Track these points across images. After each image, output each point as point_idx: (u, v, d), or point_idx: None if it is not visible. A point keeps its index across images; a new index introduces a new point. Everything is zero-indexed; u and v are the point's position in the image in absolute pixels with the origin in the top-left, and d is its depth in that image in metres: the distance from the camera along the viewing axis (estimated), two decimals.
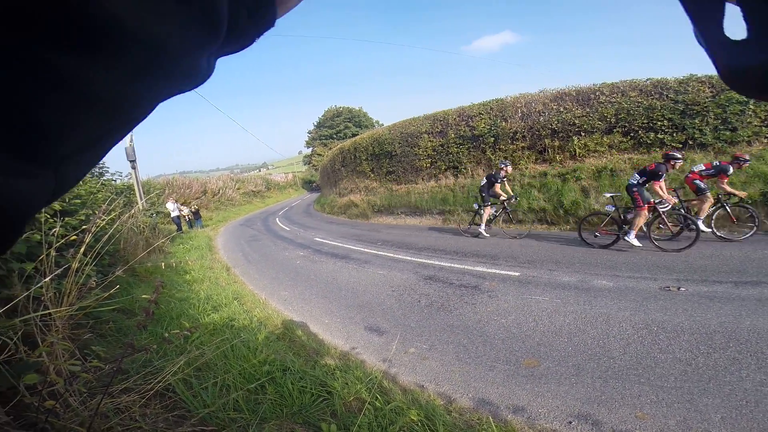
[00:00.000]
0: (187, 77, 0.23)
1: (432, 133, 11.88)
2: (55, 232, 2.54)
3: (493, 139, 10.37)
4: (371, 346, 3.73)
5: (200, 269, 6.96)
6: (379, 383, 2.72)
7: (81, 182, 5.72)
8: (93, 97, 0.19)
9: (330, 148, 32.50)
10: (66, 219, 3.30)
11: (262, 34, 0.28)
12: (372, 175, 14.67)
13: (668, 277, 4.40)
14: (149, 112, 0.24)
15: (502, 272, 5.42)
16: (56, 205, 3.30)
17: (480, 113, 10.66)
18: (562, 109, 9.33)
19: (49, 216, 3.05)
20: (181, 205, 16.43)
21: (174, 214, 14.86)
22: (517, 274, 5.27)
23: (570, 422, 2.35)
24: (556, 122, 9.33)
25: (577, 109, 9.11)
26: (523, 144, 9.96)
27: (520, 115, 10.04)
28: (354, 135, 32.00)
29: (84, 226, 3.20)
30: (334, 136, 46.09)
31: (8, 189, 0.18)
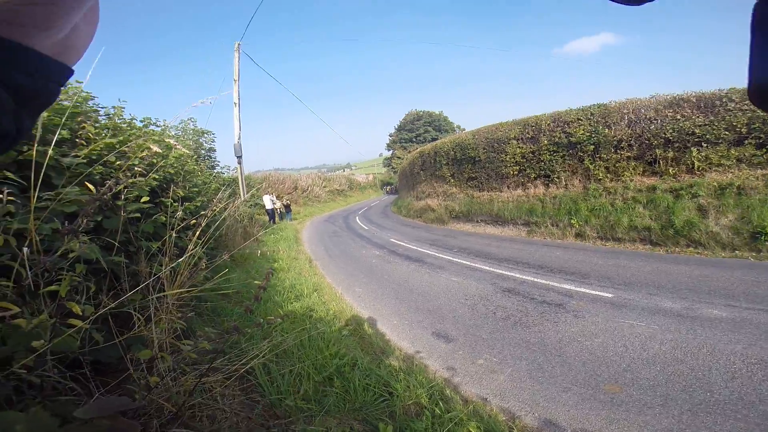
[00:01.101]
0: None
1: (522, 139, 11.11)
2: (177, 215, 2.96)
3: (592, 146, 9.28)
4: (437, 352, 3.66)
5: (287, 259, 7.58)
6: (440, 390, 2.66)
7: (198, 173, 6.67)
8: None
9: (409, 152, 32.81)
10: (186, 204, 3.84)
11: (63, 83, 0.34)
12: (452, 180, 14.35)
13: None
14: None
15: (593, 292, 4.85)
16: (180, 192, 3.86)
17: (578, 119, 9.63)
18: (679, 117, 7.96)
19: (173, 201, 3.58)
20: (275, 198, 18.20)
21: (269, 206, 16.54)
22: (610, 295, 4.68)
23: None
24: (670, 130, 8.00)
25: (698, 116, 7.69)
26: (628, 153, 8.73)
27: (626, 121, 8.82)
28: (434, 139, 31.77)
29: (202, 212, 3.70)
30: (414, 140, 46.51)
31: None
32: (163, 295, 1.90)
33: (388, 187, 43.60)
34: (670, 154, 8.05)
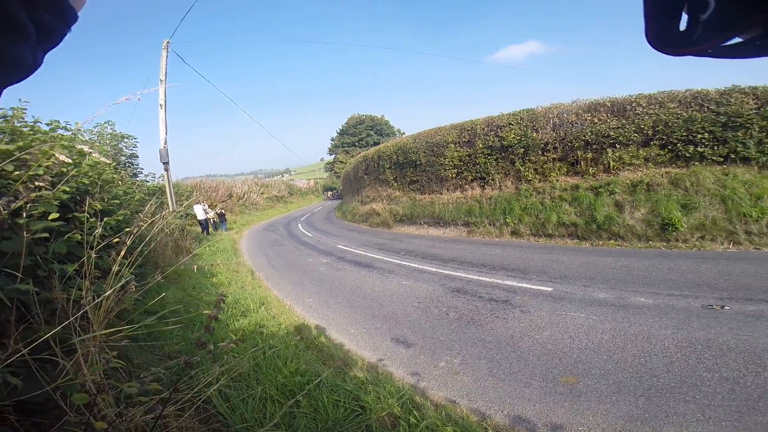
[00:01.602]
0: (14, 69, 0.31)
1: (459, 143, 11.68)
2: (96, 233, 2.55)
3: (522, 150, 10.10)
4: (398, 358, 3.64)
5: (227, 272, 7.03)
6: (410, 398, 2.64)
7: (119, 182, 5.89)
8: None
9: (352, 156, 32.75)
10: (105, 219, 3.35)
11: (70, 27, 0.37)
12: (395, 184, 14.59)
13: (711, 296, 4.21)
14: None
15: (534, 287, 5.21)
16: (97, 205, 3.35)
17: (510, 123, 10.40)
18: (596, 120, 8.99)
19: (89, 216, 3.09)
20: (208, 207, 16.85)
21: (201, 217, 15.24)
22: (549, 289, 5.07)
23: None
24: (589, 133, 9.00)
25: (612, 120, 8.76)
26: (554, 155, 9.65)
27: (551, 125, 9.74)
28: (376, 143, 32.14)
29: (126, 228, 3.23)
30: (357, 144, 46.56)
31: None
32: (87, 323, 1.60)
33: (330, 192, 42.65)
34: (590, 155, 9.02)
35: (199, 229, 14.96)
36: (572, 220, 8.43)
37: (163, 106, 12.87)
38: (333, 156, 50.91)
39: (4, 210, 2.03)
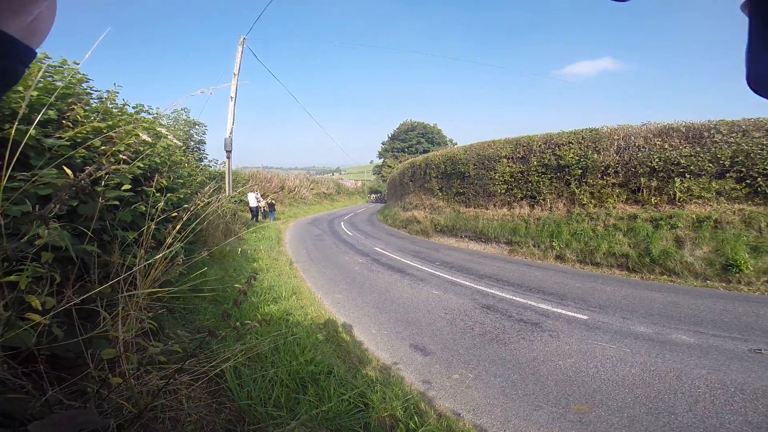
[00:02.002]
0: None
1: (512, 158, 11.23)
2: (159, 206, 2.85)
3: (580, 171, 9.48)
4: (414, 364, 3.64)
5: (267, 259, 7.44)
6: (416, 404, 2.65)
7: (185, 164, 6.50)
8: None
9: (400, 161, 32.96)
10: (168, 195, 3.71)
11: (27, 65, 0.36)
12: (440, 194, 14.43)
13: (762, 340, 3.85)
14: None
15: (569, 313, 4.95)
16: (163, 182, 3.73)
17: (569, 142, 9.80)
18: (666, 146, 8.19)
19: (155, 191, 3.45)
20: (260, 196, 17.92)
21: (253, 204, 16.25)
22: (585, 317, 4.80)
23: None
24: (657, 160, 8.22)
25: (684, 147, 7.93)
26: (614, 180, 8.95)
27: (615, 147, 9.02)
28: (425, 151, 32.05)
29: (185, 205, 3.57)
30: (406, 150, 46.81)
31: None
32: (133, 289, 1.81)
33: (374, 195, 43.06)
34: (654, 183, 8.24)
35: (249, 215, 15.96)
36: (624, 251, 7.79)
37: (234, 99, 13.95)
38: (382, 160, 51.61)
39: (88, 178, 2.36)
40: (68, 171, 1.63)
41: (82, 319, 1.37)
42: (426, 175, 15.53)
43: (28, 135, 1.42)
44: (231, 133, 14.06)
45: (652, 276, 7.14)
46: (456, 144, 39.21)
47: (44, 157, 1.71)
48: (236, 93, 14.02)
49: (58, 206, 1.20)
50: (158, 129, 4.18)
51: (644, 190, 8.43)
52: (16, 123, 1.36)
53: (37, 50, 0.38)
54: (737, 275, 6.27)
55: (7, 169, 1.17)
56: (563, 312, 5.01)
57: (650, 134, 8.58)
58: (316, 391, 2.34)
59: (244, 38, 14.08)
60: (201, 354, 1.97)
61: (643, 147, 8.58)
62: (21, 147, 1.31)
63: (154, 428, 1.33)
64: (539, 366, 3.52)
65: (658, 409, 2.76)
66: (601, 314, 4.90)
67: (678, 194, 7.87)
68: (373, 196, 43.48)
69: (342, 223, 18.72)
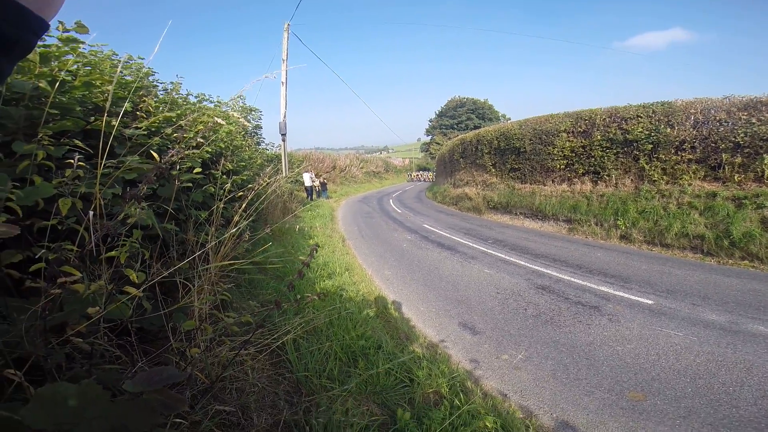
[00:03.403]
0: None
1: (573, 132, 10.39)
2: (226, 187, 3.10)
3: (651, 146, 8.53)
4: (462, 343, 3.64)
5: (322, 236, 7.79)
6: (461, 382, 2.67)
7: (246, 148, 6.93)
8: None
9: (449, 138, 31.90)
10: (234, 177, 4.01)
11: (39, 36, 0.37)
12: (493, 170, 13.84)
13: None
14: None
15: (632, 297, 4.60)
16: (228, 165, 4.02)
17: (638, 116, 8.84)
18: (754, 120, 7.08)
19: (222, 173, 3.73)
20: (314, 176, 18.61)
21: (308, 183, 16.95)
22: (650, 302, 4.43)
23: None
24: (742, 135, 7.16)
25: None
26: (690, 156, 7.94)
27: (691, 122, 7.99)
28: (476, 127, 30.67)
29: (249, 185, 3.84)
30: (455, 127, 45.25)
31: None
32: (208, 267, 2.01)
33: (414, 174, 39.42)
34: (738, 160, 7.25)
35: (304, 194, 16.71)
36: (700, 232, 6.92)
37: (284, 84, 14.41)
38: (430, 137, 50.45)
39: (168, 162, 2.62)
40: (156, 155, 1.83)
41: (164, 294, 1.55)
42: (478, 151, 14.94)
43: (114, 127, 1.61)
44: (284, 117, 14.61)
45: (730, 260, 6.31)
46: (509, 119, 36.91)
47: (126, 146, 1.92)
48: (287, 78, 14.47)
49: (146, 187, 1.36)
50: (228, 113, 4.45)
51: (726, 167, 7.40)
52: (104, 116, 1.54)
53: (49, 22, 0.39)
54: None
55: (101, 157, 1.33)
56: (626, 296, 4.65)
57: (734, 108, 7.50)
58: (366, 364, 2.45)
59: (289, 24, 14.29)
60: (265, 327, 2.15)
61: (726, 121, 7.54)
62: (110, 138, 1.49)
63: (222, 398, 1.50)
64: (595, 351, 3.35)
65: (719, 401, 2.58)
66: (668, 299, 4.48)
67: (767, 172, 6.79)
68: (414, 174, 39.91)
69: (391, 200, 18.86)
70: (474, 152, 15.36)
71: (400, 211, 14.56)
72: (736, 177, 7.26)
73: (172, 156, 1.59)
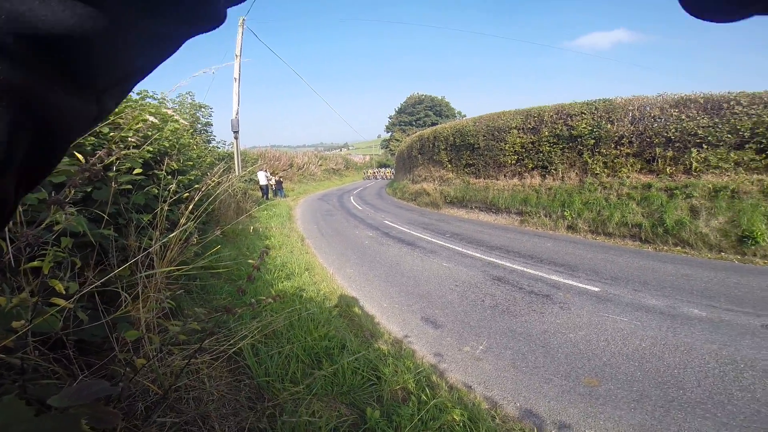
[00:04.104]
0: (205, 20, 0.28)
1: (523, 129, 11.06)
2: (170, 188, 2.91)
3: (593, 141, 9.30)
4: (425, 337, 3.72)
5: (279, 236, 7.57)
6: (427, 376, 2.72)
7: (194, 147, 6.54)
8: (141, 37, 0.25)
9: (408, 135, 32.43)
10: (179, 177, 3.77)
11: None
12: (449, 166, 14.28)
13: None
14: (174, 51, 0.30)
15: (580, 285, 4.95)
16: (174, 165, 3.78)
17: (582, 112, 9.60)
18: (683, 117, 7.96)
19: (166, 173, 3.50)
20: (270, 174, 18.02)
21: (263, 182, 16.37)
22: (596, 289, 4.79)
23: None
24: (673, 130, 8.03)
25: (702, 118, 7.70)
26: (628, 150, 8.77)
27: (629, 118, 8.82)
28: (434, 124, 31.50)
29: (196, 185, 3.63)
30: (414, 123, 46.13)
31: (61, 110, 0.24)
32: (153, 273, 1.87)
33: (371, 171, 37.88)
34: (670, 154, 8.09)
35: (260, 193, 16.12)
36: (637, 221, 7.69)
37: (237, 80, 13.81)
38: (390, 134, 50.93)
39: (99, 164, 2.40)
40: (80, 157, 1.66)
41: (105, 304, 1.43)
42: (435, 148, 15.32)
43: None
44: (237, 114, 14.04)
45: (665, 247, 7.05)
46: (465, 116, 38.21)
47: None
48: (240, 74, 13.87)
49: (72, 191, 1.24)
50: (164, 110, 4.17)
51: (659, 160, 8.25)
52: None
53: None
54: (753, 247, 6.16)
55: None
56: (574, 284, 5.01)
57: (666, 105, 8.36)
58: (331, 365, 2.42)
59: (244, 19, 13.72)
60: (220, 332, 2.05)
61: (659, 117, 8.39)
62: None
63: (179, 408, 1.42)
64: (549, 338, 3.55)
65: (667, 384, 2.77)
66: (612, 286, 4.88)
67: (694, 164, 7.70)
68: (370, 171, 37.95)
69: (351, 197, 18.78)
70: (431, 148, 15.73)
71: (360, 208, 14.54)
72: (668, 169, 8.09)
73: (101, 156, 1.46)
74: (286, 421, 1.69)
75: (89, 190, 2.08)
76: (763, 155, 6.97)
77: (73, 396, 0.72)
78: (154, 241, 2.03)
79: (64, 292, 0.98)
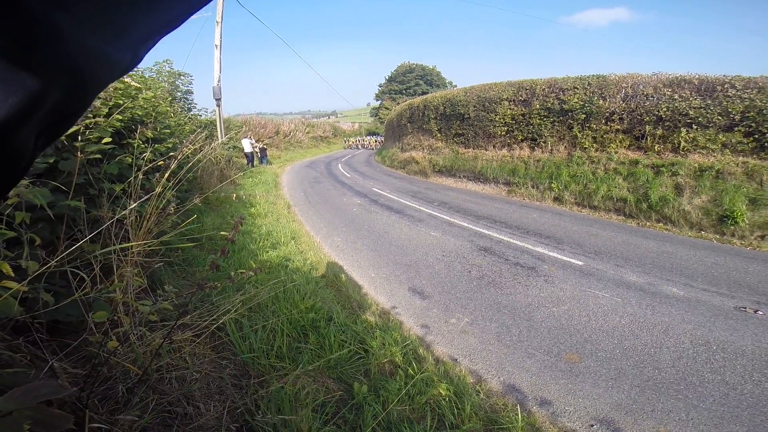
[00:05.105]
0: (108, 70, 0.28)
1: (514, 100, 10.90)
2: (145, 156, 2.76)
3: (584, 116, 9.24)
4: (412, 308, 3.76)
5: (264, 204, 7.43)
6: (414, 349, 2.75)
7: (171, 115, 6.21)
8: None
9: (398, 103, 31.49)
10: (155, 146, 3.58)
11: (196, 10, 0.34)
12: (438, 135, 14.07)
13: (748, 298, 3.89)
14: (201, 7, 0.31)
15: (565, 258, 5.04)
16: (149, 133, 3.58)
17: (575, 87, 9.48)
18: (676, 97, 7.92)
19: (141, 142, 3.32)
20: (255, 141, 17.46)
21: (248, 149, 15.88)
22: (580, 263, 4.88)
23: (592, 425, 2.32)
24: (665, 109, 8.01)
25: (695, 98, 7.67)
26: (618, 126, 8.75)
27: (622, 95, 8.75)
28: (424, 93, 30.71)
29: (171, 153, 3.46)
30: (404, 92, 44.91)
31: (97, 57, 0.25)
32: (128, 246, 1.79)
33: (353, 140, 34.30)
34: (659, 132, 8.12)
35: (245, 161, 15.68)
36: (623, 195, 7.82)
37: (218, 47, 13.11)
38: (379, 102, 49.52)
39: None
40: None
41: (80, 281, 1.36)
42: (424, 117, 15.00)
43: None
44: (219, 81, 13.49)
45: (648, 223, 7.22)
46: (456, 86, 37.12)
47: None
48: (221, 40, 13.13)
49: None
50: (127, 81, 3.89)
51: (648, 138, 8.27)
52: None
53: None
54: (732, 227, 6.34)
55: None
56: (559, 256, 5.10)
57: (660, 84, 8.26)
58: (317, 338, 2.40)
59: None
60: (202, 307, 2.01)
61: (652, 96, 8.31)
62: None
63: (162, 389, 1.40)
64: (533, 312, 3.62)
65: (643, 363, 2.83)
66: (596, 260, 4.97)
67: (683, 144, 7.74)
68: (353, 140, 34.33)
69: (339, 165, 18.47)
70: (421, 117, 15.39)
71: (349, 175, 14.35)
72: (656, 147, 8.14)
73: None
74: (272, 398, 1.70)
75: (53, 160, 1.94)
76: (751, 138, 7.05)
77: (20, 398, 0.67)
78: (128, 211, 1.93)
79: (12, 274, 0.91)
